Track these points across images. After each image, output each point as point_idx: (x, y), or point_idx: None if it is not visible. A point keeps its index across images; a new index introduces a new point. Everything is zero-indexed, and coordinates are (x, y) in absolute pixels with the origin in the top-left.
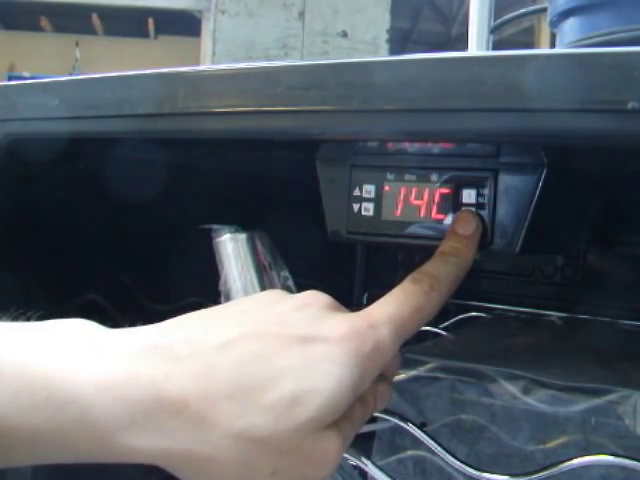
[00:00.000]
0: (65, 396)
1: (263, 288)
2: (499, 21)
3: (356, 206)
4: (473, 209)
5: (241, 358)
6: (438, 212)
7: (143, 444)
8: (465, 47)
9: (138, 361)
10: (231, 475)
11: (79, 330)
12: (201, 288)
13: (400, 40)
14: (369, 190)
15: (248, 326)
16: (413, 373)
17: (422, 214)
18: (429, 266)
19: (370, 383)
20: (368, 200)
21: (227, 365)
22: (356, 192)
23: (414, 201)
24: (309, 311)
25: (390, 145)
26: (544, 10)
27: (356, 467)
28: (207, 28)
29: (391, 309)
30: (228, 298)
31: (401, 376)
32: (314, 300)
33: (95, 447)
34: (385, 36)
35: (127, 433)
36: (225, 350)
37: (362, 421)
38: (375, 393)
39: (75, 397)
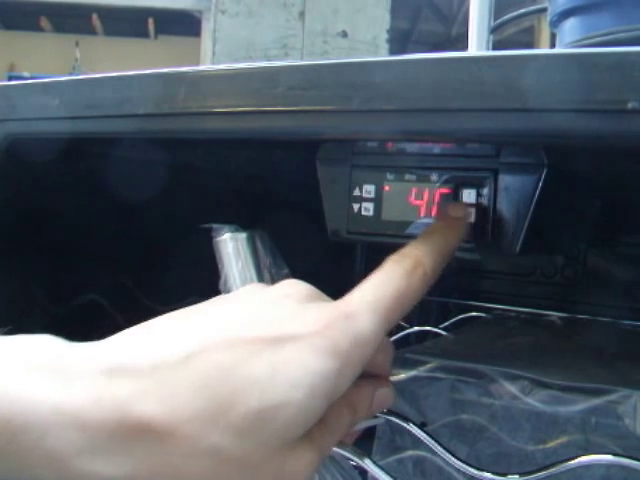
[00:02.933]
0: (24, 420)
1: None
2: (499, 21)
3: (356, 206)
4: (473, 209)
5: (206, 372)
6: (438, 212)
7: (106, 468)
8: (465, 47)
9: (100, 382)
10: None
11: (43, 349)
12: (201, 288)
13: (400, 40)
14: (369, 190)
15: (215, 333)
16: (413, 373)
17: (422, 214)
18: (412, 245)
19: (352, 381)
20: (368, 200)
21: (191, 381)
22: (356, 192)
23: (414, 201)
24: (284, 304)
25: (390, 145)
26: (544, 10)
27: (356, 467)
28: (207, 28)
29: (371, 296)
30: None
31: (401, 376)
32: (291, 291)
33: (56, 472)
34: (385, 36)
35: (88, 458)
36: (189, 364)
37: (346, 427)
38: (370, 398)
39: (33, 422)
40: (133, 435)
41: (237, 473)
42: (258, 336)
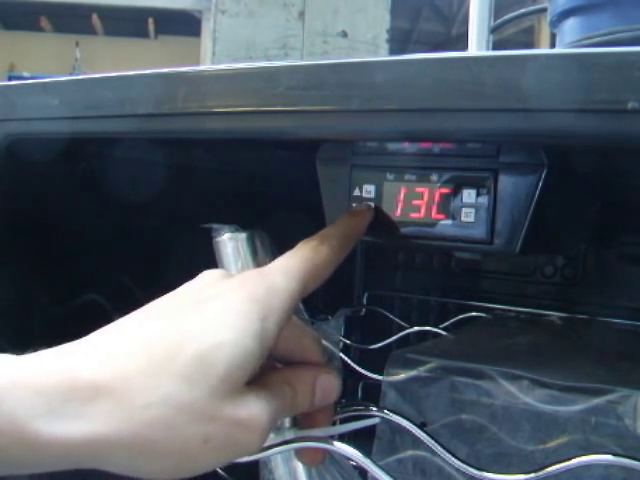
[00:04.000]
0: None
1: None
2: (499, 21)
3: (356, 206)
4: (473, 209)
5: (145, 336)
6: (438, 212)
7: (66, 432)
8: (465, 47)
9: (52, 359)
10: (164, 451)
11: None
12: None
13: (400, 40)
14: (369, 190)
15: (150, 312)
16: (413, 373)
17: (422, 214)
18: (322, 230)
19: (278, 327)
20: (368, 200)
21: (133, 345)
22: (356, 192)
23: (414, 201)
24: (205, 280)
25: (390, 145)
26: (544, 10)
27: (356, 467)
28: (207, 28)
29: (279, 262)
30: None
31: (401, 376)
32: (208, 273)
33: (16, 439)
34: (385, 36)
35: (46, 421)
36: (129, 336)
37: (292, 403)
38: (310, 381)
39: None
40: (85, 396)
41: (196, 422)
42: (187, 302)
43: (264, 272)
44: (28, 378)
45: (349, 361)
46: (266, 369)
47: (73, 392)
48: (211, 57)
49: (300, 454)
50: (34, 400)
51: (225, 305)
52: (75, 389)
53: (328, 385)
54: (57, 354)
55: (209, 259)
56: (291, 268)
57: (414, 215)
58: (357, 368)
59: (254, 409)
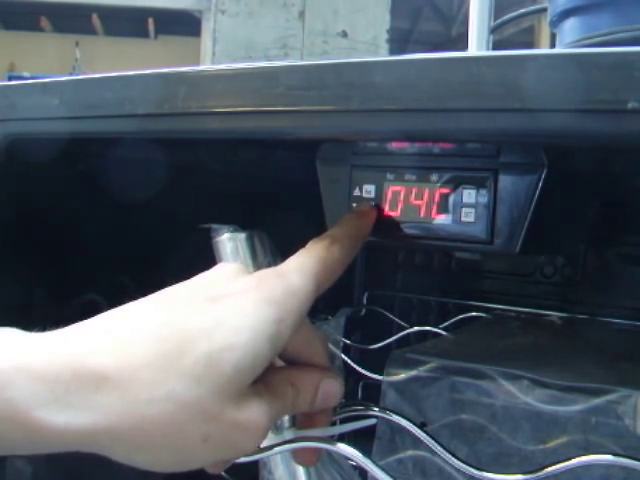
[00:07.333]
0: None
1: None
2: (499, 21)
3: (357, 206)
4: (473, 209)
5: (156, 328)
6: (438, 212)
7: (67, 420)
8: (465, 47)
9: (57, 345)
10: (163, 446)
11: (7, 332)
12: None
13: (400, 40)
14: (369, 190)
15: (162, 301)
16: (413, 373)
17: (422, 214)
18: (330, 230)
19: (292, 329)
20: (368, 200)
21: (143, 335)
22: (356, 192)
23: (414, 201)
24: (220, 274)
25: (390, 145)
26: (544, 10)
27: (356, 467)
28: (207, 28)
29: (295, 262)
30: None
31: (401, 376)
32: (224, 267)
33: (18, 425)
34: (385, 36)
35: (48, 409)
36: (139, 325)
37: (292, 403)
38: (313, 383)
39: None
40: (90, 386)
41: (198, 421)
42: (203, 296)
43: (281, 272)
44: (32, 363)
45: (349, 361)
46: (269, 366)
47: (77, 381)
48: (211, 57)
49: (295, 454)
50: (37, 387)
51: (241, 305)
52: (79, 378)
53: (331, 389)
54: (64, 337)
55: (209, 259)
56: (306, 268)
57: (414, 215)
58: (357, 368)
59: (255, 412)
